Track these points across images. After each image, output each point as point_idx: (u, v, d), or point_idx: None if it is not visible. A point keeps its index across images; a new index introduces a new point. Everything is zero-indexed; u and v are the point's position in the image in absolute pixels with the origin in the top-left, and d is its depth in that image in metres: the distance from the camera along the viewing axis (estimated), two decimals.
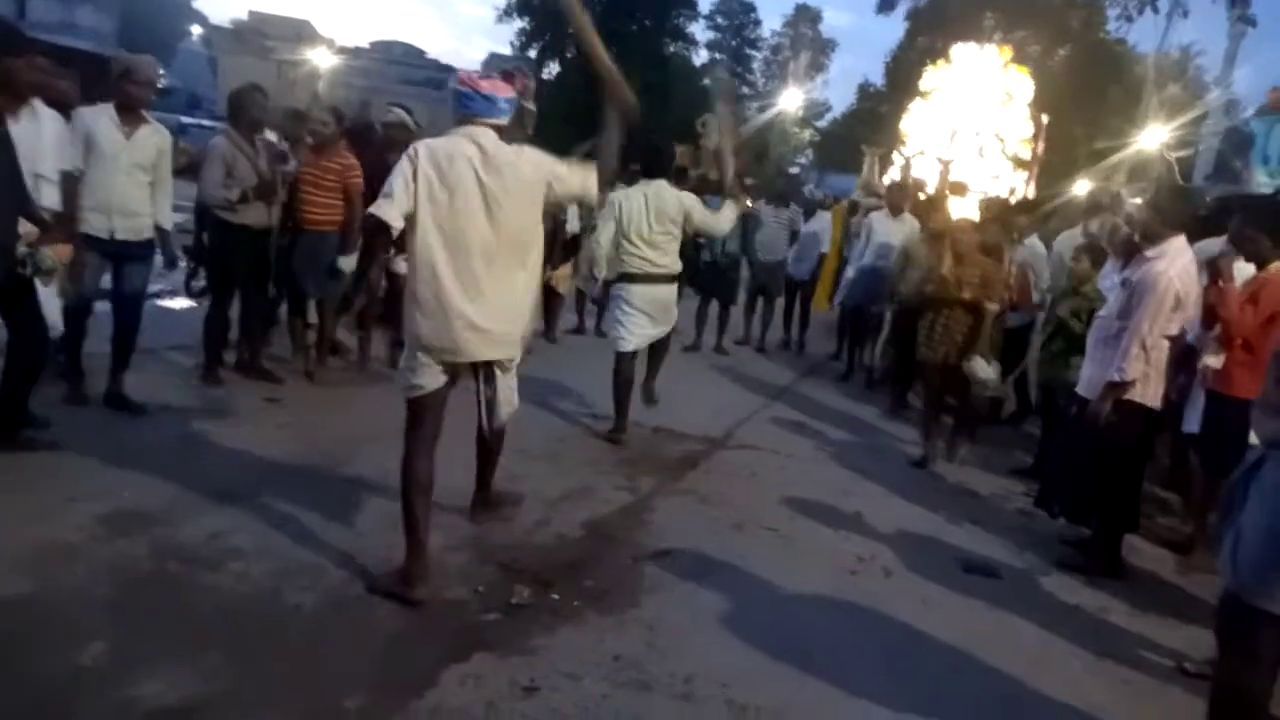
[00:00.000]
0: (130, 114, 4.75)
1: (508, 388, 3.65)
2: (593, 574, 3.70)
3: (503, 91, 3.33)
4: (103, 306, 4.99)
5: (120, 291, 4.88)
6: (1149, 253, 4.26)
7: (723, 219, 5.66)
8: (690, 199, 5.60)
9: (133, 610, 3.02)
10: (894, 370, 7.72)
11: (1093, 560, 4.49)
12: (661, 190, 5.46)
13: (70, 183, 4.46)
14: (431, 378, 3.35)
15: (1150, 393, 4.26)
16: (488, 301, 3.33)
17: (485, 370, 3.53)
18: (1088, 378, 4.46)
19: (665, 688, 2.96)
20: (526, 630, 3.18)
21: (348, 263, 5.75)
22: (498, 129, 3.35)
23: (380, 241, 3.33)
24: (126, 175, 4.72)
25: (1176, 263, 4.13)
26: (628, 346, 5.52)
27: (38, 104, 4.24)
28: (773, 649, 3.28)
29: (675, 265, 5.61)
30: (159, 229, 5.01)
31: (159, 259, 5.17)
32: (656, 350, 5.84)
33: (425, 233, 3.22)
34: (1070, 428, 4.66)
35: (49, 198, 4.25)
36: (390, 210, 3.16)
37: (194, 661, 2.76)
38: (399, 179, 3.18)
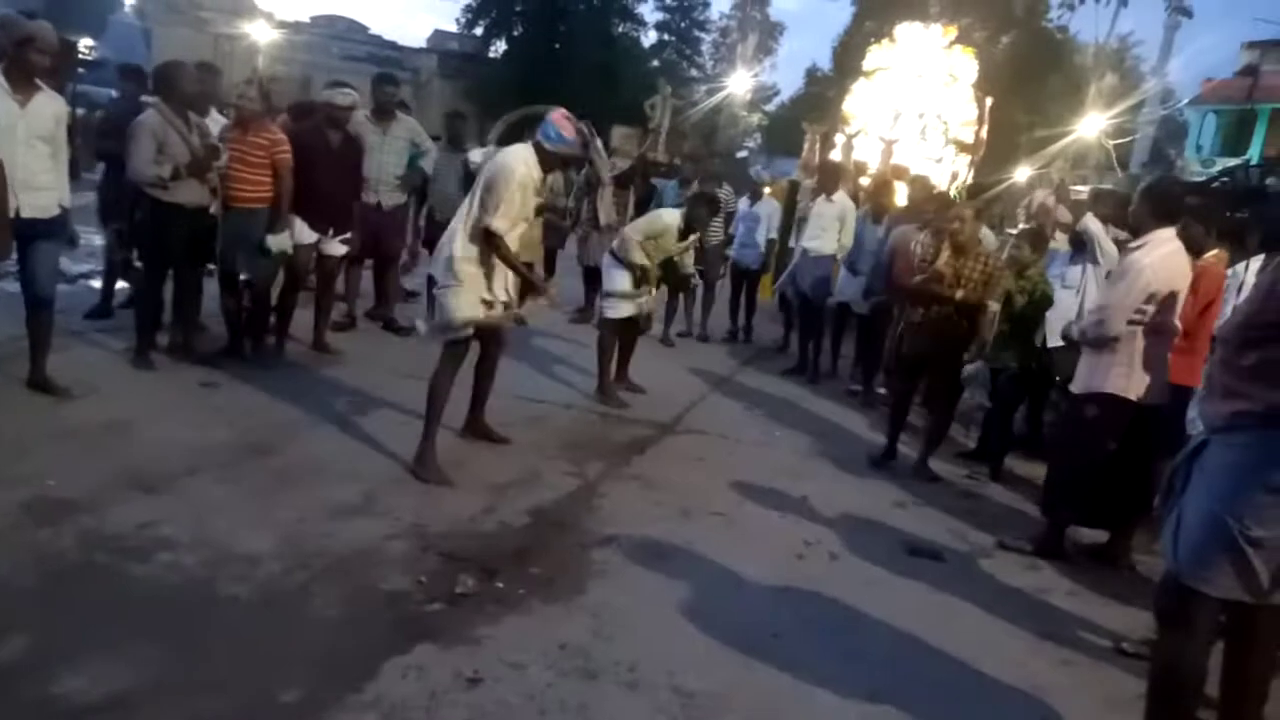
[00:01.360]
0: (23, 81, 4.41)
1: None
2: (538, 561, 3.65)
3: (565, 130, 4.39)
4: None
5: (32, 273, 4.61)
6: (1132, 244, 4.21)
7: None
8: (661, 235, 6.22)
9: (57, 602, 2.90)
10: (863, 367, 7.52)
11: (1036, 540, 4.50)
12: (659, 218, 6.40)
13: None
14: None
15: (1130, 385, 4.16)
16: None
17: None
18: (1079, 376, 4.38)
19: (611, 675, 2.93)
20: (470, 620, 3.12)
21: (277, 240, 5.60)
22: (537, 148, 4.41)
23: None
24: (26, 147, 4.40)
25: (1154, 252, 4.08)
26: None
27: None
28: (719, 634, 3.27)
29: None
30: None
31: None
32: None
33: None
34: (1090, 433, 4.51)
35: None
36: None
37: (122, 656, 2.66)
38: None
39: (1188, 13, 26.26)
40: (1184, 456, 2.52)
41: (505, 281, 4.52)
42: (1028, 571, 4.32)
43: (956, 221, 5.36)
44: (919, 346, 5.50)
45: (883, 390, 7.17)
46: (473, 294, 4.40)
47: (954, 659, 3.36)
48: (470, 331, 4.48)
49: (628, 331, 6.33)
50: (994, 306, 5.35)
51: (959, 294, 5.27)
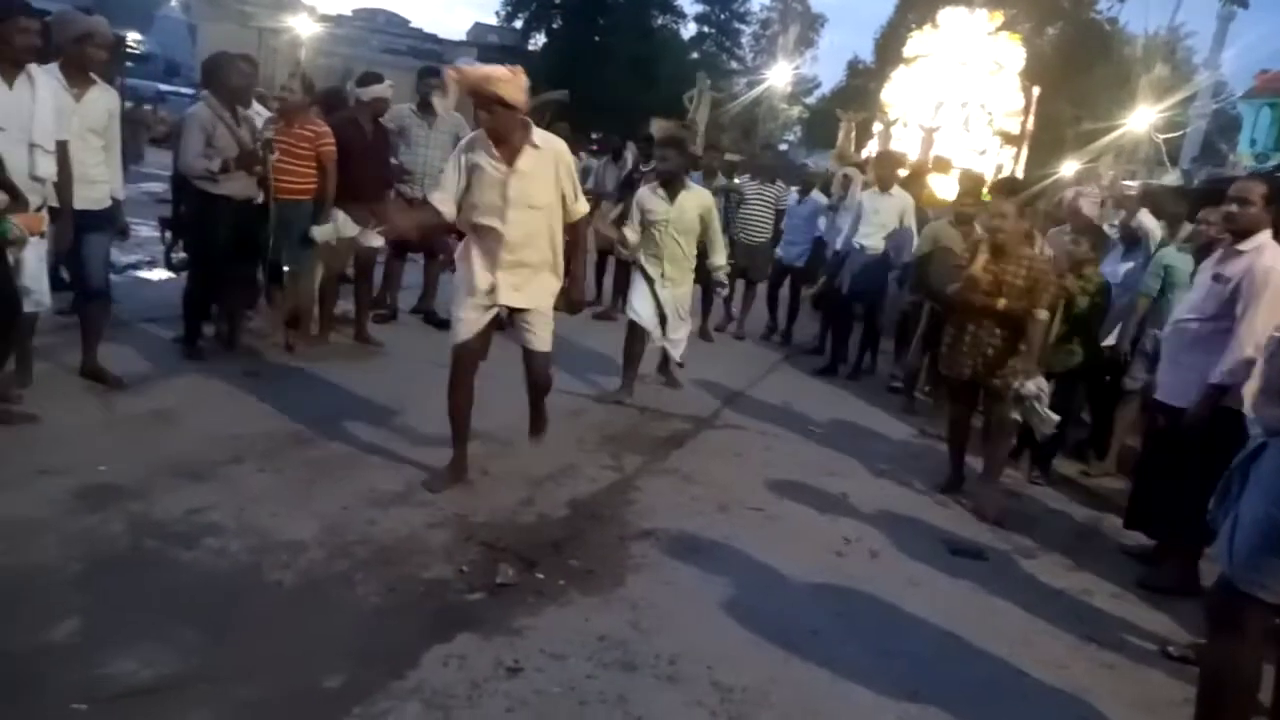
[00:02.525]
0: (79, 75, 4.49)
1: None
2: (578, 553, 3.67)
3: None
4: None
5: (84, 264, 4.70)
6: (1242, 246, 3.91)
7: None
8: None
9: (106, 587, 2.96)
10: (915, 370, 7.11)
11: (1174, 578, 4.18)
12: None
13: (61, 152, 4.27)
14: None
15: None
16: None
17: None
18: (1169, 384, 4.18)
19: (650, 668, 2.94)
20: (511, 610, 3.15)
21: (321, 231, 5.68)
22: None
23: None
24: (80, 140, 4.45)
25: (1279, 254, 3.87)
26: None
27: (35, 71, 4.05)
28: (758, 629, 3.26)
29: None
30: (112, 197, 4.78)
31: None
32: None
33: None
34: (1161, 441, 4.30)
35: (44, 169, 4.10)
36: None
37: (169, 639, 2.71)
38: None
39: (1242, 3, 25.60)
40: (1240, 460, 2.47)
41: (497, 279, 3.97)
42: (1070, 573, 4.26)
43: (997, 218, 4.74)
44: (958, 368, 4.88)
45: (926, 389, 7.09)
46: (463, 294, 4.04)
47: (995, 659, 3.33)
48: (469, 336, 4.02)
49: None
50: (1043, 315, 4.67)
51: (1001, 303, 4.65)
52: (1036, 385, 4.60)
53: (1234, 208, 3.92)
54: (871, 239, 7.42)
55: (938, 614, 3.58)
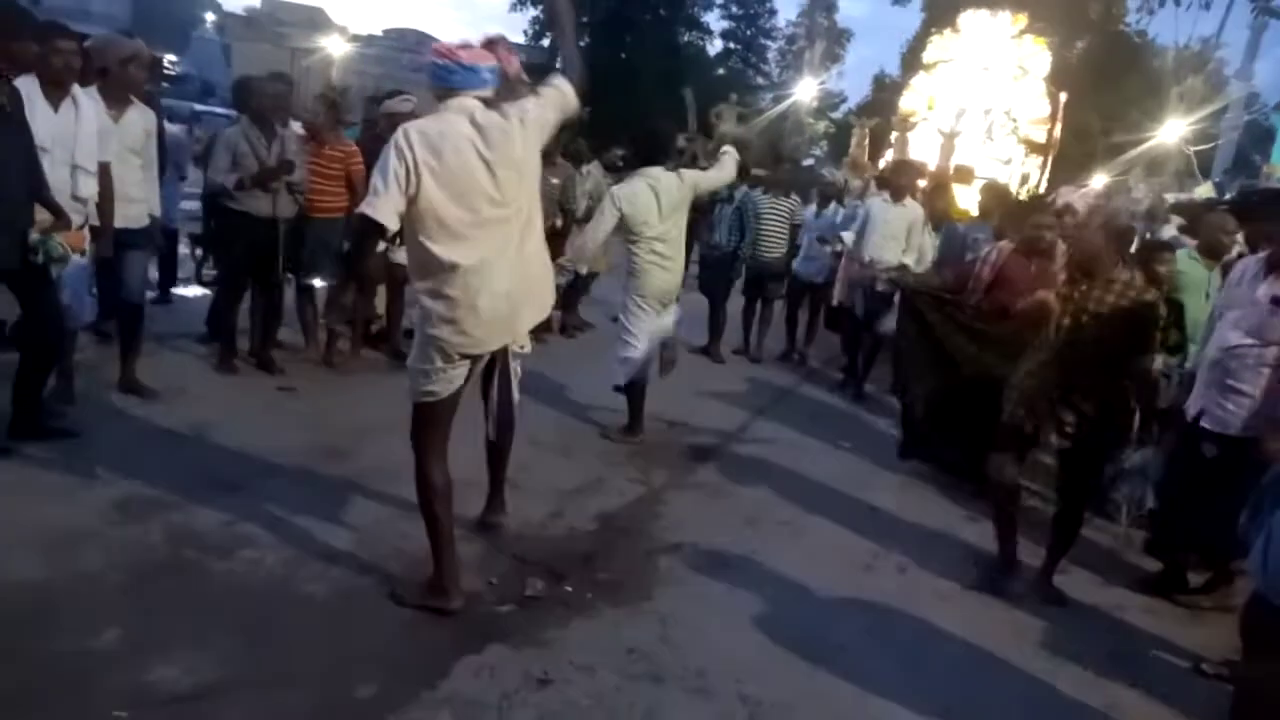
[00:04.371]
0: (118, 96, 4.62)
1: (518, 371, 3.47)
2: (606, 566, 3.70)
3: (484, 60, 3.07)
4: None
5: (123, 281, 4.81)
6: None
7: (725, 169, 5.41)
8: (690, 175, 5.30)
9: (147, 596, 3.03)
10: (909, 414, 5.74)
11: (1208, 593, 4.14)
12: (663, 178, 5.10)
13: (103, 173, 4.38)
14: (452, 380, 3.15)
15: None
16: (510, 281, 3.14)
17: (501, 355, 3.30)
18: (1223, 412, 3.78)
19: (678, 680, 2.95)
20: (540, 622, 3.18)
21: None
22: (484, 100, 3.07)
23: (371, 242, 3.19)
24: (119, 160, 4.55)
25: None
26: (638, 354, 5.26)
27: (79, 93, 4.17)
28: (785, 643, 3.27)
29: (681, 258, 5.36)
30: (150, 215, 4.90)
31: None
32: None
33: (436, 223, 2.97)
34: (1207, 470, 3.89)
35: (86, 189, 4.22)
36: (384, 208, 2.88)
37: (208, 648, 2.77)
38: (391, 174, 2.87)
39: (1275, 13, 25.29)
40: (1274, 474, 2.44)
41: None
42: (1102, 588, 4.22)
43: (1081, 229, 3.71)
44: (1016, 413, 3.78)
45: None
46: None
47: (1026, 676, 3.31)
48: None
49: None
50: (1152, 362, 3.70)
51: (1092, 340, 3.59)
52: (1143, 456, 3.72)
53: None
54: (879, 252, 7.04)
55: (967, 629, 3.57)
